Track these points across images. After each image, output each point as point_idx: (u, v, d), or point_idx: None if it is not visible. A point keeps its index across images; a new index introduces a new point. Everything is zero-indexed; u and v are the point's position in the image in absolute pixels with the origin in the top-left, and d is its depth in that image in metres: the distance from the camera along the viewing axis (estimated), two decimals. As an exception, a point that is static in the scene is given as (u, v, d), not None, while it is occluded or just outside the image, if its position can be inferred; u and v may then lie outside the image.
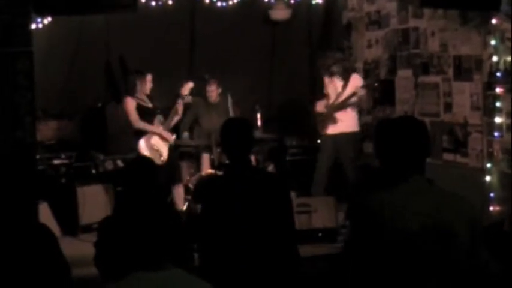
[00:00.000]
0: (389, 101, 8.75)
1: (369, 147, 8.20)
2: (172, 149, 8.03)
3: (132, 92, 7.90)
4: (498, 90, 6.85)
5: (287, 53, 9.95)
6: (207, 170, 8.22)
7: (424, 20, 8.10)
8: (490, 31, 6.94)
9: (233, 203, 3.96)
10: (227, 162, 4.32)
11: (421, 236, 2.96)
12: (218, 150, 7.86)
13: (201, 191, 4.99)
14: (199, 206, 4.27)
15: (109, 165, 8.38)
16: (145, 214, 2.69)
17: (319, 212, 7.26)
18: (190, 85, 8.05)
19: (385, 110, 8.83)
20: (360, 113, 8.36)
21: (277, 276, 3.95)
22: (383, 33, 8.97)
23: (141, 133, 7.88)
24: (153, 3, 8.42)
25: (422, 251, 2.95)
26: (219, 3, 8.95)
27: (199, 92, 8.51)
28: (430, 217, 2.97)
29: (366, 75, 9.01)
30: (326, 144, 8.16)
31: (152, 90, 8.02)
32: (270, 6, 9.52)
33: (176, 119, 8.14)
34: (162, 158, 7.82)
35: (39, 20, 7.54)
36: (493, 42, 6.89)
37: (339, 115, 8.04)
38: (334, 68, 8.12)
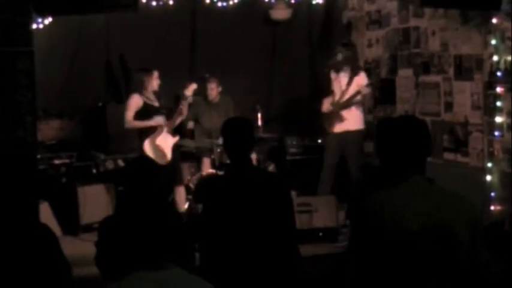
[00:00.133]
0: (390, 100, 8.76)
1: (369, 146, 8.19)
2: (176, 149, 8.03)
3: (139, 90, 7.89)
4: (499, 89, 6.85)
5: (287, 53, 9.95)
6: (207, 170, 8.22)
7: (424, 19, 8.10)
8: (490, 30, 6.94)
9: (233, 202, 3.96)
10: (228, 162, 4.33)
11: (421, 235, 2.95)
12: (219, 150, 7.86)
13: (202, 190, 5.00)
14: (200, 206, 4.27)
15: (110, 165, 8.38)
16: (146, 214, 2.70)
17: (320, 212, 7.26)
18: (193, 86, 8.05)
19: (386, 110, 8.83)
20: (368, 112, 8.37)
21: (278, 276, 3.95)
22: (383, 33, 8.97)
23: (145, 133, 7.87)
24: (154, 3, 8.41)
25: (423, 250, 2.95)
26: (219, 3, 8.95)
27: (199, 92, 8.51)
28: (430, 217, 2.97)
29: (367, 75, 8.99)
30: (332, 143, 8.18)
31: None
32: (270, 6, 9.52)
33: (180, 119, 8.15)
34: (165, 158, 7.82)
35: (39, 19, 7.54)
36: (493, 41, 6.89)
37: (344, 113, 8.07)
38: (343, 64, 8.13)
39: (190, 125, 8.80)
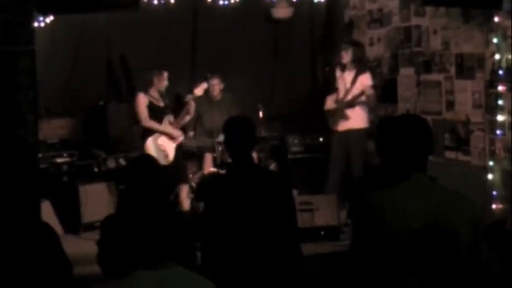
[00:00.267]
0: (392, 99, 8.75)
1: (370, 145, 8.19)
2: (179, 149, 8.02)
3: (145, 89, 7.90)
4: (500, 88, 6.85)
5: (289, 52, 9.94)
6: (209, 168, 8.22)
7: (426, 18, 8.10)
8: (492, 29, 6.93)
9: (235, 201, 3.96)
10: (229, 160, 4.32)
11: (422, 234, 2.95)
12: (220, 148, 7.86)
13: (203, 189, 5.01)
14: (201, 205, 4.27)
15: (111, 164, 8.39)
16: (148, 213, 2.70)
17: (322, 210, 7.27)
18: (204, 86, 8.09)
19: (388, 108, 8.83)
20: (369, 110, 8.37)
21: (280, 274, 3.95)
22: (385, 31, 8.96)
23: (147, 132, 7.88)
24: (155, 1, 8.41)
25: (424, 249, 2.95)
26: (221, 2, 8.95)
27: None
28: (432, 215, 2.97)
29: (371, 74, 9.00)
30: (337, 142, 8.22)
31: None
32: (272, 4, 9.52)
33: (187, 118, 8.16)
34: (168, 158, 7.82)
35: (41, 18, 7.54)
36: (495, 40, 6.88)
37: (348, 111, 8.08)
38: (352, 62, 8.15)
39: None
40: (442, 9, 7.75)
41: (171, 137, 7.97)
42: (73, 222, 7.80)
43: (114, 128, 8.99)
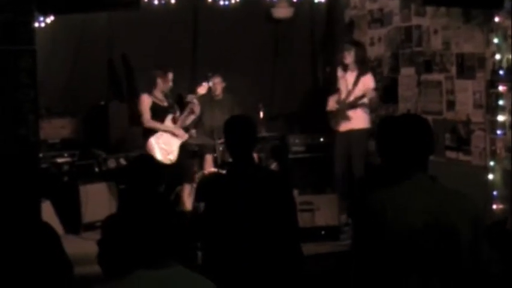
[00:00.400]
0: (392, 99, 8.75)
1: (371, 145, 8.19)
2: (182, 148, 8.01)
3: (149, 89, 7.90)
4: (501, 88, 6.85)
5: (290, 51, 9.95)
6: (209, 168, 8.22)
7: (426, 18, 8.09)
8: (492, 29, 6.93)
9: (236, 201, 3.96)
10: (230, 160, 4.32)
11: (423, 234, 2.95)
12: (221, 148, 7.87)
13: (204, 189, 4.99)
14: (202, 205, 4.27)
15: (112, 164, 8.38)
16: (148, 212, 2.70)
17: (322, 210, 7.27)
18: (208, 85, 8.10)
19: (388, 108, 8.82)
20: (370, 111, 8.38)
21: (280, 274, 3.95)
22: (385, 31, 8.96)
23: (150, 132, 7.88)
24: (156, 1, 8.41)
25: (425, 249, 2.95)
26: (221, 2, 8.95)
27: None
28: (432, 215, 2.97)
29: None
30: (339, 143, 8.23)
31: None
32: (272, 4, 9.52)
33: (192, 117, 8.16)
34: (170, 158, 7.81)
35: (41, 18, 7.54)
36: (495, 40, 6.88)
37: (349, 112, 8.10)
38: (355, 63, 8.16)
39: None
40: (442, 9, 7.74)
41: (174, 135, 7.96)
42: (74, 222, 7.80)
43: (115, 128, 8.98)
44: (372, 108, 8.31)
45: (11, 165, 3.95)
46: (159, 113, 7.93)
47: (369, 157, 8.03)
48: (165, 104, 8.03)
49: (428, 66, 8.07)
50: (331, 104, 8.32)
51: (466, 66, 7.43)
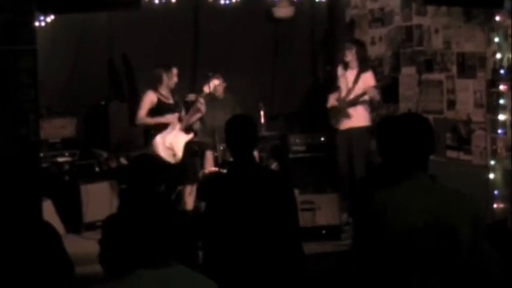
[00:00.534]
0: (393, 98, 8.74)
1: (373, 144, 8.19)
2: (187, 148, 7.98)
3: (154, 86, 7.88)
4: (501, 87, 6.84)
5: (290, 51, 9.95)
6: (210, 167, 8.21)
7: (427, 17, 8.09)
8: (493, 28, 6.92)
9: (237, 200, 3.96)
10: (231, 159, 4.32)
11: (424, 233, 2.95)
12: (222, 147, 7.86)
13: (205, 189, 4.99)
14: (203, 204, 4.27)
15: (112, 163, 8.39)
16: (149, 212, 2.70)
17: (323, 210, 7.27)
18: (215, 82, 8.09)
19: (389, 108, 8.82)
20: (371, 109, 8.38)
21: (281, 273, 3.95)
22: (386, 31, 8.96)
23: (156, 130, 7.84)
24: (156, 1, 8.41)
25: (425, 248, 2.95)
26: (222, 1, 8.94)
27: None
28: (432, 214, 2.97)
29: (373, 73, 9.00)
30: (341, 141, 8.23)
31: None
32: (273, 3, 9.52)
33: (197, 116, 8.14)
34: (176, 157, 7.79)
35: (42, 18, 7.54)
36: (496, 39, 6.87)
37: (350, 110, 8.10)
38: (355, 61, 8.16)
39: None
40: (443, 9, 7.74)
41: (174, 129, 7.91)
42: (74, 221, 7.80)
43: (116, 127, 8.99)
44: (373, 106, 8.31)
45: (12, 165, 3.95)
46: (164, 111, 7.89)
47: (370, 156, 8.03)
48: (170, 101, 7.99)
49: (429, 66, 8.07)
50: (332, 101, 8.33)
51: (467, 66, 7.43)
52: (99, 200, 7.93)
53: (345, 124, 8.17)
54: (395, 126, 3.17)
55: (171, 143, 7.86)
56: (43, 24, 7.74)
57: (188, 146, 8.04)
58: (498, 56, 6.85)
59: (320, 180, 8.36)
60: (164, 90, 7.94)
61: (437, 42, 7.92)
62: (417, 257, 2.95)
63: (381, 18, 9.09)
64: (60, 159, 8.15)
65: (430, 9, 7.99)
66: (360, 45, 8.43)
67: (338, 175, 8.25)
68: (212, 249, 4.06)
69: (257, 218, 3.94)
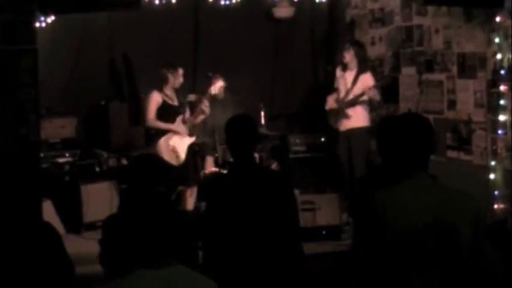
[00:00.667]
0: (393, 98, 8.75)
1: (373, 144, 8.19)
2: (191, 150, 7.96)
3: (159, 86, 7.85)
4: (502, 87, 6.84)
5: (290, 51, 9.95)
6: (210, 168, 8.21)
7: (427, 17, 8.09)
8: (494, 28, 6.92)
9: (237, 200, 3.96)
10: (231, 160, 4.32)
11: (424, 232, 2.95)
12: (222, 148, 7.85)
13: (205, 189, 4.99)
14: (203, 204, 4.27)
15: (113, 163, 8.38)
16: (149, 212, 2.70)
17: (323, 210, 7.27)
18: (220, 83, 8.06)
19: (389, 108, 8.83)
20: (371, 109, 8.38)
21: (281, 274, 3.95)
22: (386, 31, 8.96)
23: (160, 132, 7.82)
24: (157, 1, 8.39)
25: (425, 248, 2.95)
26: (222, 1, 8.94)
27: (202, 90, 8.49)
28: (432, 214, 2.97)
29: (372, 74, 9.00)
30: (342, 142, 8.25)
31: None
32: (273, 4, 9.51)
33: (202, 117, 8.12)
34: (179, 159, 7.78)
35: (42, 18, 7.54)
36: (496, 39, 6.88)
37: (349, 111, 8.10)
38: (355, 62, 8.17)
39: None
40: (443, 9, 7.74)
41: (180, 134, 7.90)
42: (75, 221, 7.80)
43: (116, 127, 8.98)
44: (373, 106, 8.31)
45: (12, 165, 3.94)
46: (168, 112, 7.85)
47: (370, 156, 8.03)
48: (175, 102, 7.96)
49: (429, 66, 8.08)
50: (330, 103, 8.34)
51: (467, 66, 7.43)
52: (99, 200, 7.93)
53: (345, 125, 8.18)
54: (395, 126, 3.17)
55: (175, 145, 7.84)
56: (44, 24, 7.73)
57: (192, 148, 8.03)
58: (498, 56, 6.85)
59: (320, 180, 8.36)
60: (169, 91, 7.91)
61: (437, 42, 7.92)
62: (417, 257, 2.95)
63: (381, 19, 9.09)
64: (60, 160, 8.14)
65: (431, 9, 8.00)
66: (359, 46, 8.43)
67: (340, 176, 8.26)
68: (212, 249, 4.06)
69: (257, 218, 3.94)
